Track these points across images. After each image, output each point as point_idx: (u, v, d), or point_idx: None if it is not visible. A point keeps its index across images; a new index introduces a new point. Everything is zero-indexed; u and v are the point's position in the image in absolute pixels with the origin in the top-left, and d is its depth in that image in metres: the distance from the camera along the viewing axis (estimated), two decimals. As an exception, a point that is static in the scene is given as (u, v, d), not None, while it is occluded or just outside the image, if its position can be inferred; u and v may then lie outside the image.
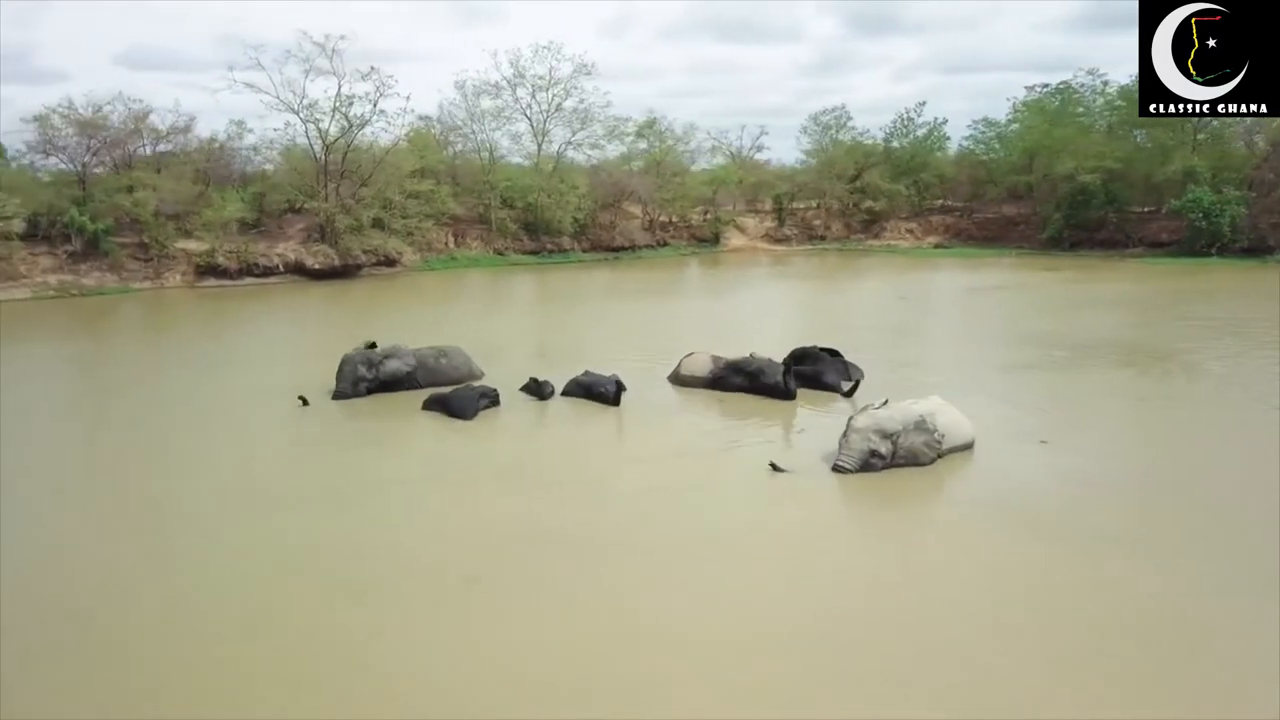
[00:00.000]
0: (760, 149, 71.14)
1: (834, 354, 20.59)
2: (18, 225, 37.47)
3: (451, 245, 51.59)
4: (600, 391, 18.04)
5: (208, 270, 41.21)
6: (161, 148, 45.16)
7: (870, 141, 64.91)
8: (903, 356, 22.63)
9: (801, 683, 7.85)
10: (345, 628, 8.84)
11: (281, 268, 43.03)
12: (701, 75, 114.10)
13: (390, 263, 46.59)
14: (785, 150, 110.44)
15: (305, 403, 17.97)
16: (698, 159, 64.97)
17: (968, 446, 14.44)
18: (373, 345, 19.33)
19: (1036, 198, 57.61)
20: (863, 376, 19.86)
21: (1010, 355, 22.68)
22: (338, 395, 18.40)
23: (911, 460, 13.59)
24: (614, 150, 60.26)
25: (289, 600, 9.48)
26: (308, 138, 46.10)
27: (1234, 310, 29.46)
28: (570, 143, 57.34)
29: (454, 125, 54.82)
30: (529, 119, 55.90)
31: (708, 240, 61.03)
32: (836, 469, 13.41)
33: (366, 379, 18.63)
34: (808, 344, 20.99)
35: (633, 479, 13.57)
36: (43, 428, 17.26)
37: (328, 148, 45.79)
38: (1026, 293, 36.28)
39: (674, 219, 61.03)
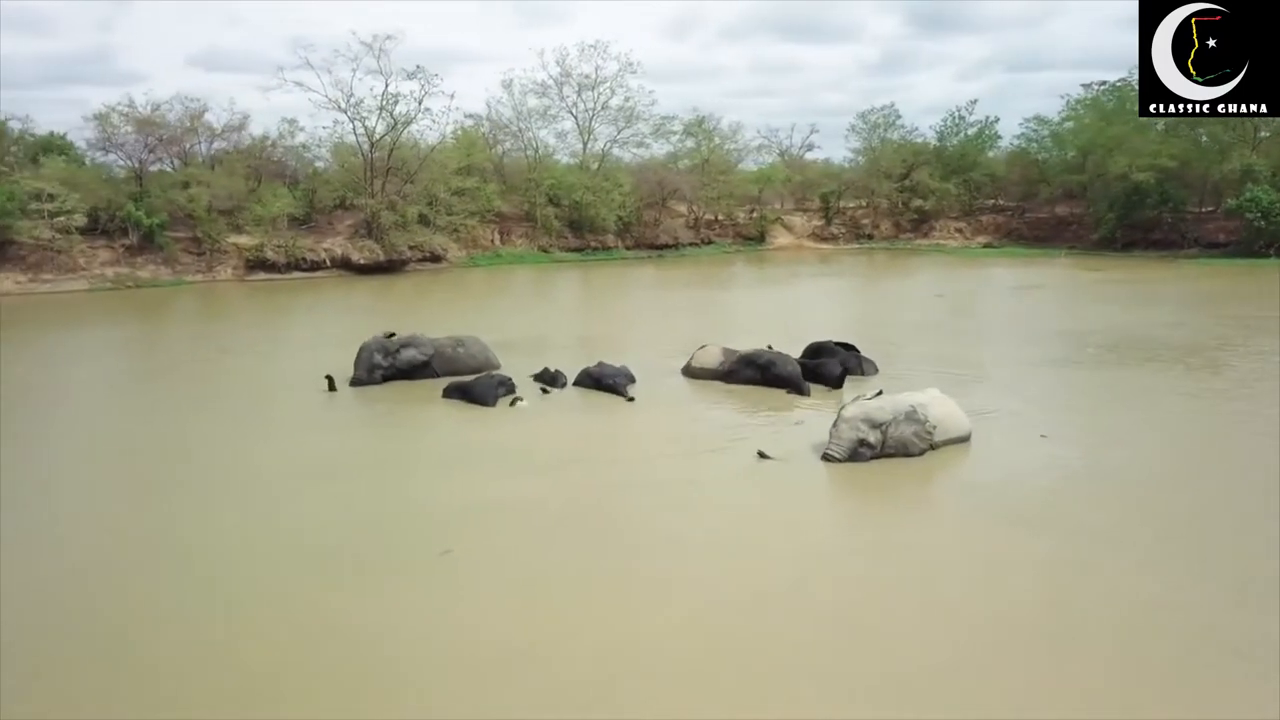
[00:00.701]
0: (811, 148, 71.14)
1: (850, 348, 20.63)
2: (78, 220, 38.96)
3: (497, 242, 52.35)
4: (609, 383, 18.30)
5: (257, 264, 42.44)
6: (217, 145, 46.72)
7: (920, 140, 64.27)
8: (922, 351, 22.48)
9: (771, 665, 7.99)
10: (324, 596, 9.21)
11: (328, 262, 44.14)
12: (764, 75, 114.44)
13: (435, 259, 47.47)
14: (841, 149, 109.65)
15: (332, 384, 18.46)
16: (745, 157, 65.12)
17: (963, 439, 14.40)
18: (391, 335, 19.81)
19: (1090, 197, 56.46)
20: (876, 371, 19.92)
21: (1032, 351, 22.46)
22: (354, 382, 18.92)
23: (901, 450, 13.62)
24: (660, 148, 60.64)
25: (270, 570, 9.89)
26: (355, 135, 47.21)
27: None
28: (615, 141, 57.87)
29: (502, 124, 55.61)
30: (575, 117, 56.55)
31: (753, 238, 61.02)
32: (825, 458, 13.50)
33: (382, 366, 19.12)
34: (830, 339, 21.06)
35: (623, 464, 13.81)
36: (77, 406, 18.07)
37: (373, 145, 46.76)
38: (1068, 292, 35.73)
39: (720, 217, 61.15)
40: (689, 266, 50.30)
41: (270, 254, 42.51)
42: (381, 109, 45.99)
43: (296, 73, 46.87)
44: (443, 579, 9.71)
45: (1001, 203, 64.09)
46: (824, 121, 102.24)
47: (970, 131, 63.10)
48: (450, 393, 18.08)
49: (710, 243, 59.29)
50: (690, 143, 60.97)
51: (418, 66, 46.54)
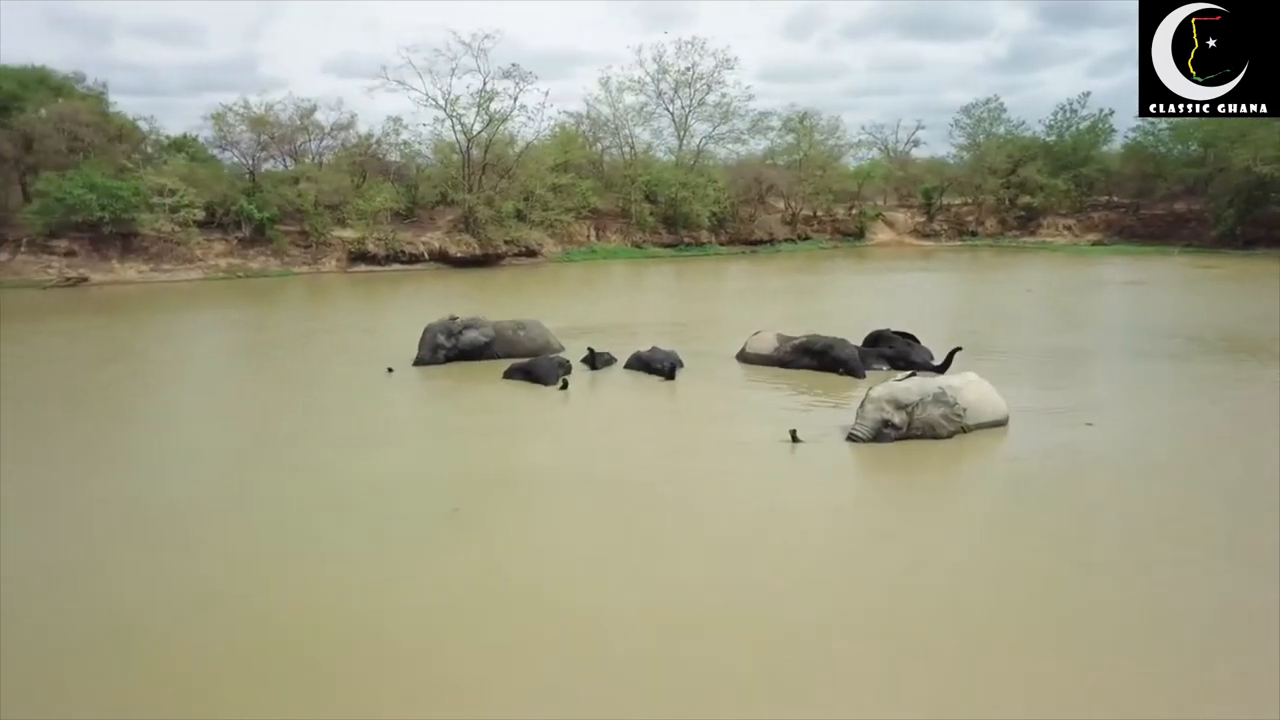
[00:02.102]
0: (917, 144, 69.86)
1: (909, 338, 20.43)
2: (197, 214, 41.47)
3: (593, 238, 53.26)
4: (656, 366, 18.63)
5: (359, 256, 44.34)
6: (326, 144, 49.02)
7: (1028, 135, 62.31)
8: (986, 341, 22.06)
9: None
10: (344, 547, 9.85)
11: (426, 255, 45.75)
12: (885, 73, 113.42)
13: (531, 253, 48.64)
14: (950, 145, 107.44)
15: (390, 369, 19.36)
16: (847, 153, 64.35)
17: (999, 423, 14.20)
18: (454, 318, 20.58)
19: (1210, 193, 53.69)
20: (932, 358, 19.71)
21: (1102, 342, 21.85)
22: (417, 361, 19.77)
23: (929, 433, 13.52)
24: (758, 145, 60.57)
25: (304, 521, 10.61)
26: (454, 133, 48.78)
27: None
28: (710, 137, 58.02)
29: (601, 121, 56.48)
30: (671, 114, 57.02)
31: (852, 234, 60.32)
32: (850, 438, 13.53)
33: (445, 347, 19.91)
34: (894, 327, 20.91)
35: (653, 440, 14.14)
36: (174, 377, 19.50)
37: (470, 142, 48.21)
38: (1169, 287, 34.27)
39: (818, 213, 60.70)
40: (782, 262, 50.12)
41: (371, 247, 44.35)
42: (478, 107, 47.40)
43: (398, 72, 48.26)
44: (441, 534, 10.23)
45: (1116, 199, 61.61)
46: (945, 120, 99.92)
47: (1082, 125, 60.90)
48: (512, 373, 18.61)
49: (807, 239, 58.95)
50: (789, 138, 60.69)
51: (513, 65, 47.86)
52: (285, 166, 46.98)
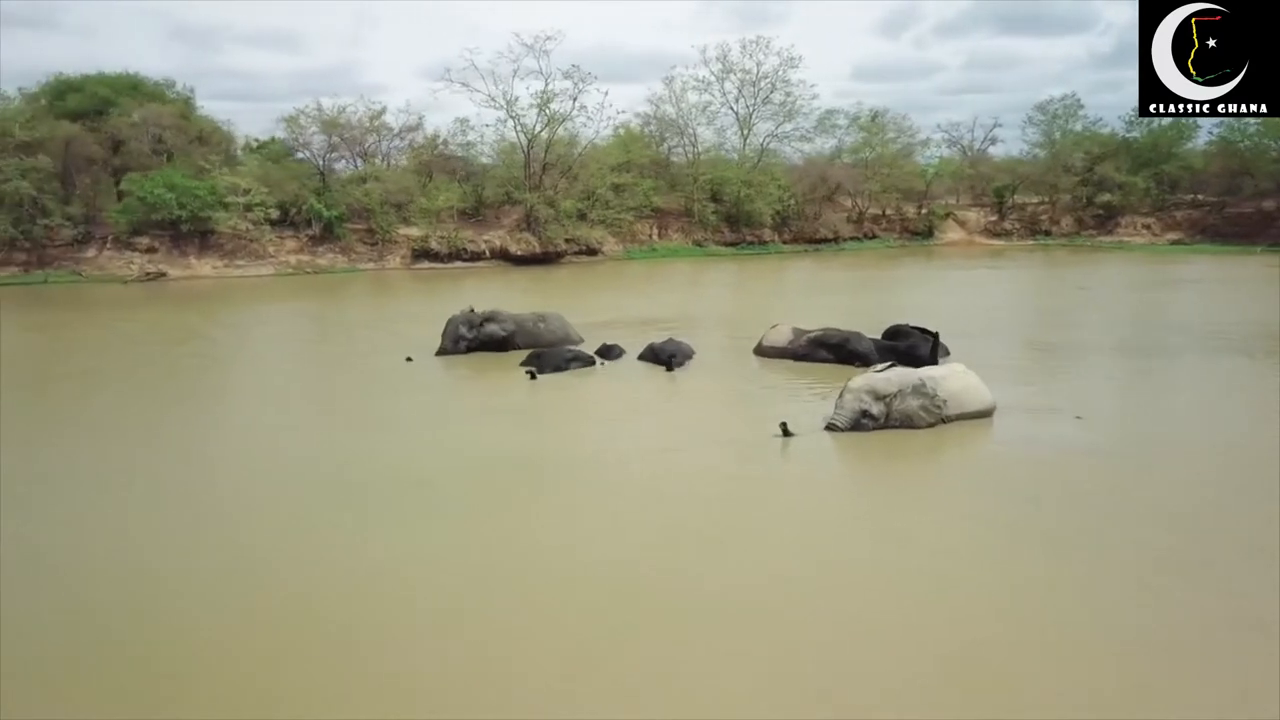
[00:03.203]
0: (994, 141, 68.33)
1: (927, 333, 20.36)
2: (270, 213, 43.30)
3: (655, 237, 53.69)
4: (664, 358, 18.97)
5: (422, 254, 45.65)
6: (395, 144, 50.63)
7: (1107, 131, 60.49)
8: (1014, 337, 21.82)
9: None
10: (322, 517, 10.55)
11: (488, 253, 46.85)
12: (982, 71, 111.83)
13: (592, 252, 49.34)
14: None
15: (409, 358, 20.10)
16: (919, 152, 63.24)
17: (983, 414, 14.19)
18: (473, 310, 21.27)
19: (1303, 190, 51.47)
20: (948, 354, 19.65)
21: (1122, 339, 21.40)
22: (440, 351, 20.51)
23: (907, 423, 13.59)
24: (825, 143, 60.16)
25: (283, 498, 11.34)
26: (516, 133, 49.81)
27: None
28: (774, 135, 57.85)
29: (667, 120, 56.80)
30: (735, 113, 57.09)
31: (920, 234, 59.42)
32: (829, 427, 13.68)
33: (466, 338, 20.61)
34: (921, 323, 20.88)
35: (640, 430, 14.50)
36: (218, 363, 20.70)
37: (530, 142, 49.16)
38: (1232, 287, 33.04)
39: (887, 211, 60.01)
40: (843, 260, 49.70)
41: (434, 244, 45.64)
42: (538, 107, 48.31)
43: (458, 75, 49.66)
44: (418, 512, 10.80)
45: (1200, 198, 59.36)
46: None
47: (1164, 121, 58.83)
48: (527, 362, 19.24)
49: (874, 237, 58.32)
50: (857, 136, 60.04)
51: (573, 65, 48.69)
52: (355, 166, 48.61)
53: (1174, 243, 55.09)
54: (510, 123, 49.23)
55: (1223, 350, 20.11)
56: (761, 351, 20.16)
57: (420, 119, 50.13)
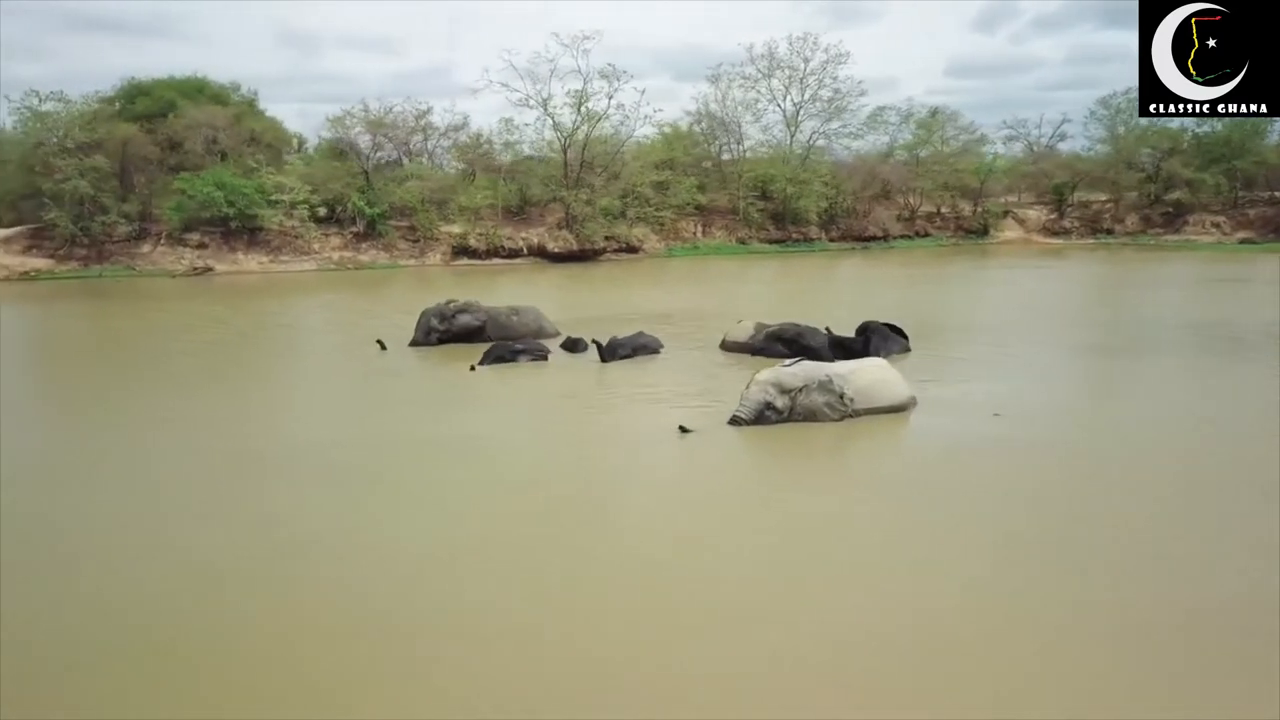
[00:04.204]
0: (1063, 137, 66.18)
1: (896, 330, 20.15)
2: (317, 210, 44.79)
3: (699, 235, 53.65)
4: (600, 351, 19.04)
5: (461, 250, 46.58)
6: (443, 143, 51.79)
7: (1175, 126, 58.12)
8: (990, 335, 21.31)
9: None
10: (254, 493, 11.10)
11: (525, 250, 47.52)
12: (1084, 65, 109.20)
13: (632, 249, 49.60)
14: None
15: (383, 346, 20.63)
16: (979, 149, 61.58)
17: (896, 409, 14.00)
18: (450, 302, 21.72)
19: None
20: (906, 351, 19.51)
21: (1108, 338, 20.74)
22: (412, 343, 21.04)
23: (810, 417, 13.49)
24: (876, 139, 59.26)
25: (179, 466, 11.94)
26: (555, 132, 50.40)
27: None
28: (821, 133, 57.27)
29: (715, 118, 56.70)
30: (782, 110, 56.68)
31: (975, 232, 58.00)
32: (733, 420, 13.64)
33: (438, 330, 21.07)
34: (878, 319, 20.69)
35: (534, 420, 14.75)
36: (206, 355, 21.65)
37: (567, 140, 49.70)
38: (1266, 286, 31.48)
39: (941, 209, 58.78)
40: (891, 258, 48.80)
41: (473, 241, 46.51)
42: (574, 106, 48.84)
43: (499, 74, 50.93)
44: (340, 478, 11.24)
45: (1277, 195, 56.59)
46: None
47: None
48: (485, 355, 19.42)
49: (926, 235, 57.19)
50: (911, 133, 58.96)
51: (609, 64, 49.07)
52: (401, 164, 49.83)
53: (1243, 242, 52.67)
54: (548, 121, 49.92)
55: (1209, 351, 19.33)
56: (725, 346, 20.16)
57: (465, 118, 51.19)
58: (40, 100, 42.69)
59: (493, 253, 46.76)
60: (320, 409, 15.14)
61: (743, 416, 13.58)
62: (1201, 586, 8.10)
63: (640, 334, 20.27)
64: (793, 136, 56.81)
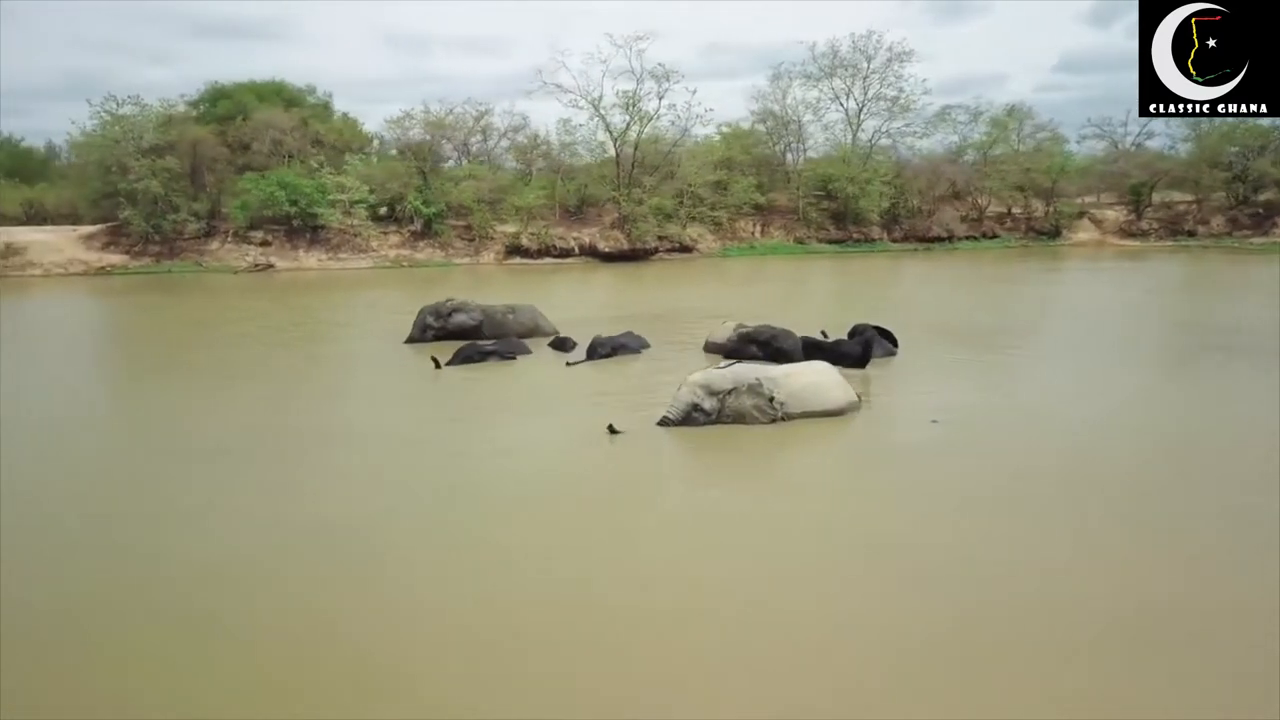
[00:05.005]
0: (1151, 135, 63.48)
1: (884, 332, 19.85)
2: (377, 209, 46.15)
3: (757, 234, 53.29)
4: (605, 351, 19.24)
5: (514, 250, 47.32)
6: (503, 144, 52.71)
7: (1266, 124, 55.08)
8: (983, 339, 20.74)
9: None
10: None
11: (577, 250, 48.00)
12: None
13: (686, 249, 49.62)
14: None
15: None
16: (1056, 146, 59.54)
17: (831, 413, 13.82)
18: (449, 301, 22.19)
19: None
20: (895, 354, 19.25)
21: (1118, 342, 19.85)
22: (408, 340, 21.59)
23: (739, 420, 13.44)
24: (943, 139, 57.90)
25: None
26: (608, 132, 50.72)
27: None
28: (883, 132, 56.22)
29: (775, 116, 56.26)
30: (844, 109, 55.88)
31: (1047, 233, 56.08)
32: (661, 421, 13.66)
33: (434, 327, 21.56)
34: (870, 322, 20.40)
35: (479, 417, 14.99)
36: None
37: (618, 141, 50.00)
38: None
39: (1013, 210, 57.05)
40: (953, 260, 47.53)
41: (525, 241, 47.21)
42: (625, 106, 49.07)
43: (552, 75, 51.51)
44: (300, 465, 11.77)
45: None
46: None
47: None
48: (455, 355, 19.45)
49: (994, 236, 55.58)
50: (982, 131, 57.38)
51: (659, 64, 49.26)
52: (460, 164, 50.91)
53: (1336, 244, 49.78)
54: (599, 121, 50.33)
55: (1199, 353, 18.44)
56: (706, 348, 20.13)
57: (524, 119, 52.01)
58: (118, 104, 45.04)
59: (544, 252, 47.40)
60: (261, 400, 15.78)
61: (671, 418, 13.61)
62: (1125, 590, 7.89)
63: (627, 333, 20.39)
64: (854, 135, 55.97)
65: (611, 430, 13.40)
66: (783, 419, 13.52)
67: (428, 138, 49.16)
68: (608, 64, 49.18)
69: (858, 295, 32.43)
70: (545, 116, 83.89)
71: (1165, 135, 59.52)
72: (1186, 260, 45.90)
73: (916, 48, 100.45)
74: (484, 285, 39.22)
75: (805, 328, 19.88)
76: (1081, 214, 57.68)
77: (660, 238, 48.68)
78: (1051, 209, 56.52)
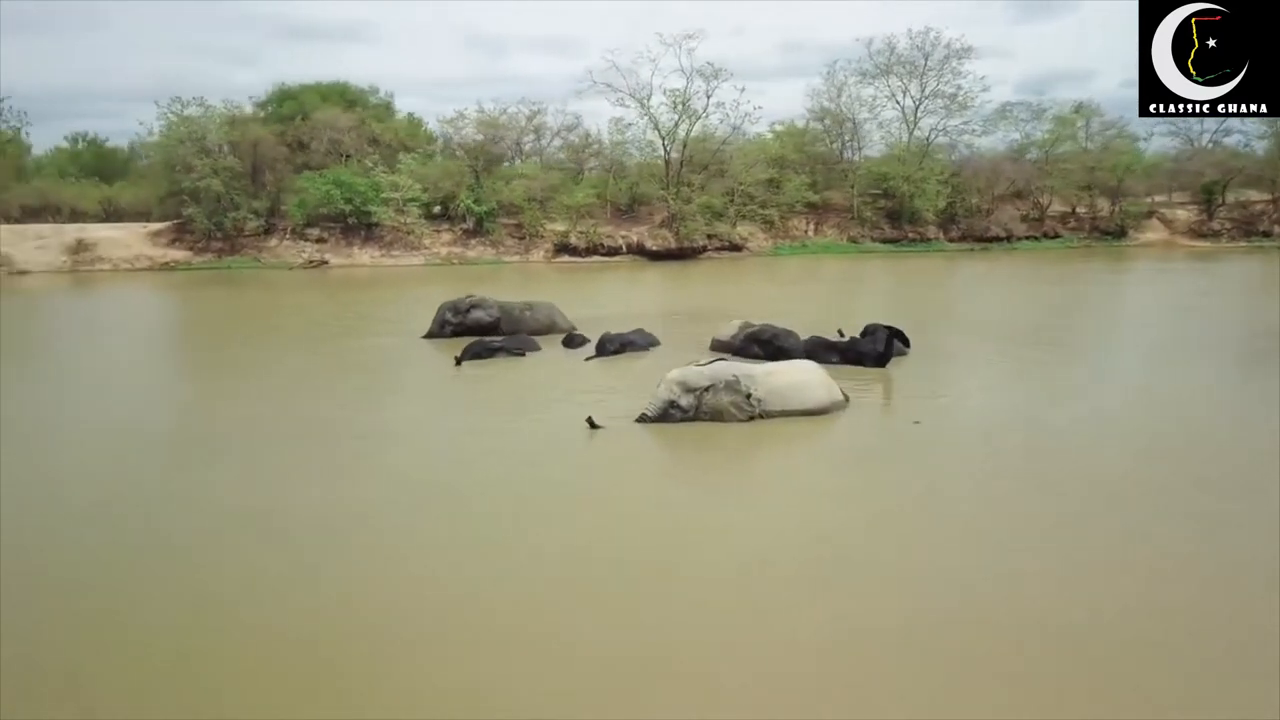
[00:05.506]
0: (1228, 132, 61.19)
1: (896, 332, 19.57)
2: (422, 208, 47.04)
3: (810, 233, 52.86)
4: (612, 348, 19.35)
5: (562, 248, 47.77)
6: (556, 143, 53.22)
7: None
8: (1007, 343, 20.31)
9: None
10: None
11: (625, 248, 48.25)
12: None
13: (735, 248, 49.49)
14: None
15: (593, 424, 21.23)
16: (1121, 144, 57.82)
17: (812, 412, 13.69)
18: (469, 297, 22.55)
19: None
20: (905, 353, 19.00)
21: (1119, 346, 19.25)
22: (427, 335, 21.99)
23: (716, 417, 13.38)
24: (1005, 136, 56.66)
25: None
26: (657, 131, 50.84)
27: None
28: (940, 130, 55.20)
29: (831, 114, 55.74)
30: (900, 106, 55.03)
31: (1111, 233, 54.45)
32: (640, 418, 13.70)
33: (451, 323, 21.90)
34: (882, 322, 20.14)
35: (465, 410, 15.21)
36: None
37: (666, 140, 50.11)
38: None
39: (1077, 209, 55.56)
40: (1013, 260, 46.45)
41: (574, 239, 47.62)
42: (675, 105, 49.12)
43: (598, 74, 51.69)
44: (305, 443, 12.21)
45: None
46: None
47: None
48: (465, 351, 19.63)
49: (1056, 236, 54.20)
50: (1045, 129, 55.98)
51: (707, 63, 49.22)
52: (513, 164, 51.56)
53: None
54: (651, 121, 50.45)
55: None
56: (712, 346, 20.09)
57: (577, 118, 52.44)
58: (183, 105, 46.71)
59: (592, 250, 47.73)
60: (254, 394, 16.26)
61: (649, 414, 13.65)
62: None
63: (637, 331, 20.46)
64: (911, 133, 55.12)
65: (591, 424, 13.50)
66: (760, 416, 13.45)
67: (480, 137, 49.84)
68: (656, 63, 49.19)
69: (906, 295, 31.96)
70: (600, 116, 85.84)
71: (1241, 133, 57.36)
72: (1259, 262, 44.14)
73: (996, 45, 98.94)
74: (530, 283, 39.69)
75: (838, 327, 19.61)
76: (1150, 213, 55.92)
77: (709, 236, 48.64)
78: (1117, 208, 54.85)
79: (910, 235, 52.61)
